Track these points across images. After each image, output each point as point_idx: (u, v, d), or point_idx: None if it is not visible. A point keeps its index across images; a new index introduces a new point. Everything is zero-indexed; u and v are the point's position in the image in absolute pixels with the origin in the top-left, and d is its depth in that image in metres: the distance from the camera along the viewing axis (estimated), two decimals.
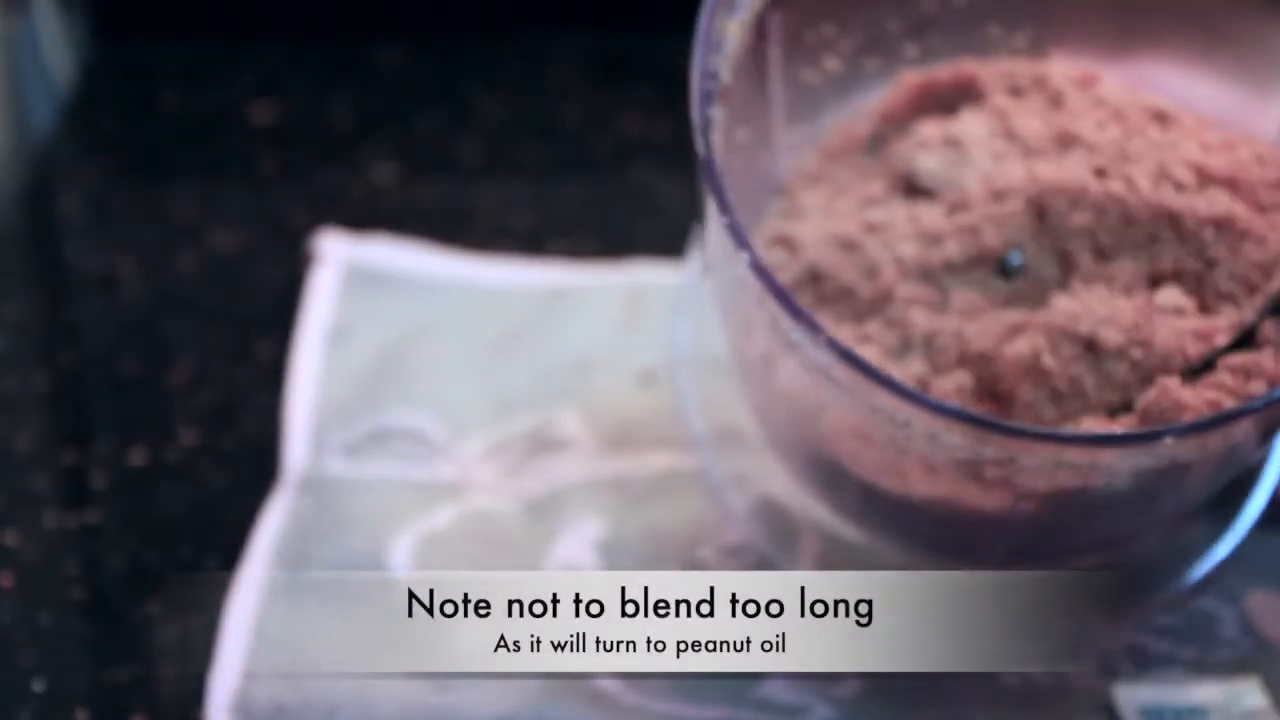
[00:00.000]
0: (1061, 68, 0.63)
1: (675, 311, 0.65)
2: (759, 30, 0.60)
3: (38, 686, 0.60)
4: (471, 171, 0.83)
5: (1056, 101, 0.62)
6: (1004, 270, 0.59)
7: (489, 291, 0.75)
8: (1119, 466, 0.54)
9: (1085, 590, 0.61)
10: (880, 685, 0.60)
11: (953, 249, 0.59)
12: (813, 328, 0.53)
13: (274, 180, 0.83)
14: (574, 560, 0.64)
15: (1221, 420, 0.54)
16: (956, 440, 0.54)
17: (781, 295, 0.54)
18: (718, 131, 0.56)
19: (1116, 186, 0.59)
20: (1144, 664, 0.60)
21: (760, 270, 0.54)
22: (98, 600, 0.64)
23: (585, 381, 0.71)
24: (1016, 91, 0.63)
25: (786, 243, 0.62)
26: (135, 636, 0.62)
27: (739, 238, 0.54)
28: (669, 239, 0.70)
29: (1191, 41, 0.62)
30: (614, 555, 0.64)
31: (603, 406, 0.70)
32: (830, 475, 0.60)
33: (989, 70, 0.63)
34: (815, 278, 0.61)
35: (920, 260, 0.59)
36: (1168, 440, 0.53)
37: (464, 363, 0.72)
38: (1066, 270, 0.58)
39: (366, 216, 0.79)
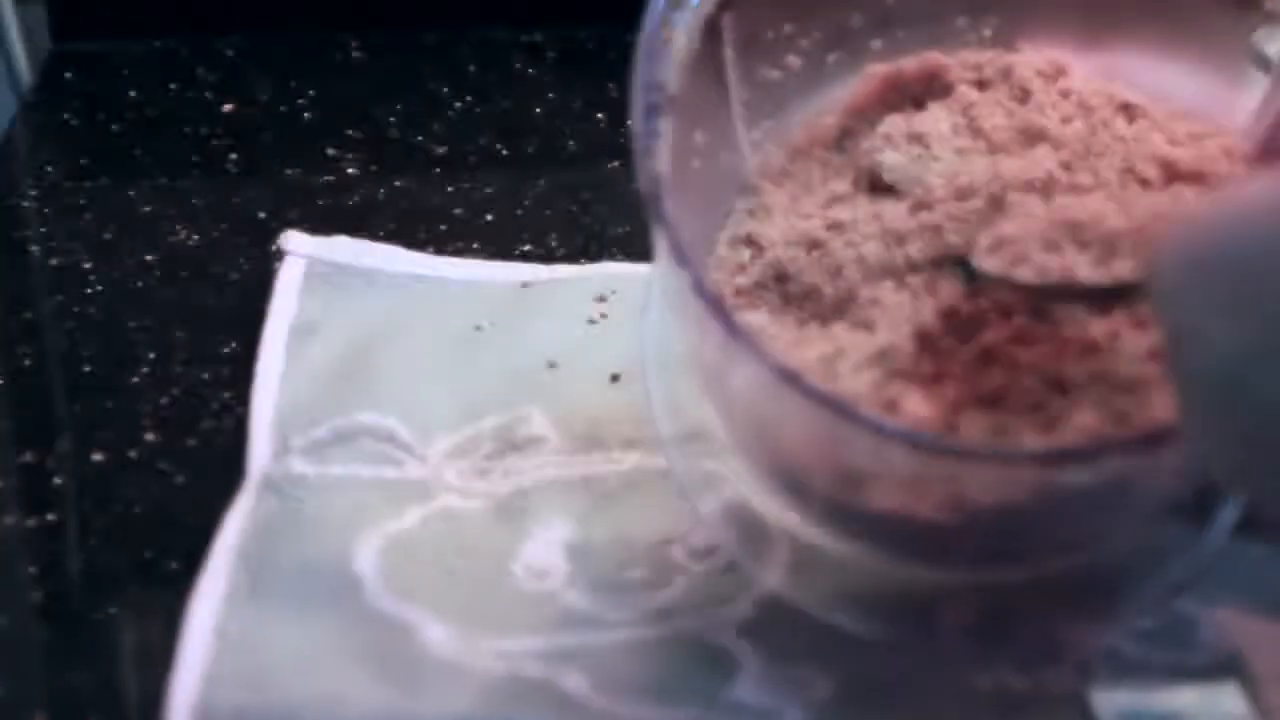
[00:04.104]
0: (1029, 59, 0.63)
1: (645, 309, 0.65)
2: (710, 33, 0.59)
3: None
4: (439, 167, 0.83)
5: (1023, 94, 0.62)
6: (968, 270, 0.59)
7: (456, 289, 0.75)
8: (1067, 481, 0.54)
9: (1060, 594, 0.61)
10: (853, 689, 0.59)
11: (915, 248, 0.59)
12: (751, 347, 0.53)
13: (238, 176, 0.83)
14: (543, 562, 0.63)
15: (1168, 434, 0.53)
16: (901, 457, 0.53)
17: (720, 313, 0.53)
18: (666, 141, 0.56)
19: (1081, 183, 0.58)
20: (1121, 668, 0.60)
21: (700, 289, 0.53)
22: (57, 602, 0.63)
23: (554, 380, 0.70)
24: (983, 84, 0.63)
25: (752, 242, 0.61)
26: (95, 639, 0.61)
27: (679, 254, 0.54)
28: (639, 236, 0.70)
29: (1160, 32, 0.62)
30: (583, 556, 0.63)
31: (572, 405, 0.69)
32: (791, 482, 0.60)
33: (955, 62, 0.63)
34: (780, 278, 0.60)
35: (883, 260, 0.59)
36: (1115, 457, 0.53)
37: (431, 361, 0.71)
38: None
39: (332, 213, 0.79)
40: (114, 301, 0.75)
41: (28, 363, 0.72)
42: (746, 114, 0.63)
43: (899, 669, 0.60)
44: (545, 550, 0.64)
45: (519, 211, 0.80)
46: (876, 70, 0.63)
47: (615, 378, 0.70)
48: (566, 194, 0.81)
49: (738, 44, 0.61)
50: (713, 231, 0.62)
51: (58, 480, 0.67)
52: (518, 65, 0.89)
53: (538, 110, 0.87)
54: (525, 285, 0.75)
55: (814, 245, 0.60)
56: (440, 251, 0.77)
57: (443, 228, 0.79)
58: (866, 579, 0.62)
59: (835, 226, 0.60)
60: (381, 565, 0.63)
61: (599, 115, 0.86)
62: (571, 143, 0.85)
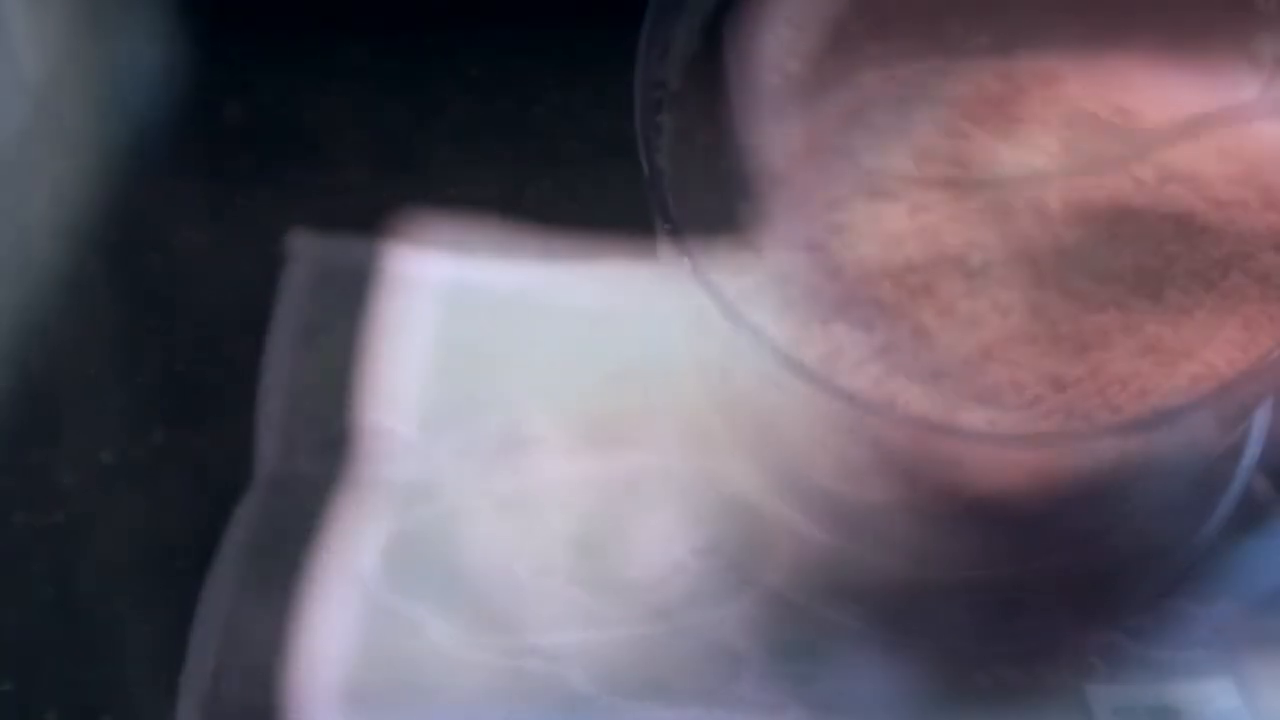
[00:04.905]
0: (1026, 65, 0.63)
1: (648, 309, 0.65)
2: (711, 34, 0.59)
3: (6, 686, 0.60)
4: (442, 168, 0.83)
5: (1018, 98, 0.63)
6: (968, 270, 0.59)
7: (461, 289, 0.75)
8: (1064, 467, 0.55)
9: (1059, 590, 0.62)
10: (854, 685, 0.60)
11: (912, 249, 0.60)
12: (754, 334, 0.53)
13: (241, 177, 0.83)
14: (546, 559, 0.64)
15: (1162, 419, 0.54)
16: (901, 443, 0.54)
17: (721, 301, 0.54)
18: (669, 136, 0.56)
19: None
20: (1119, 664, 0.60)
21: (701, 279, 0.54)
22: (66, 600, 0.63)
23: (557, 378, 0.71)
24: (980, 89, 0.63)
25: (753, 246, 0.62)
26: (105, 637, 0.62)
27: (679, 243, 0.54)
28: (642, 237, 0.70)
29: (1159, 37, 0.62)
30: (585, 554, 0.64)
31: (575, 405, 0.69)
32: (793, 477, 0.60)
33: (953, 68, 0.64)
34: (781, 280, 0.61)
35: (882, 261, 0.59)
36: (1109, 439, 0.54)
37: (435, 360, 0.71)
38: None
39: (336, 215, 0.79)
40: (121, 303, 0.75)
41: (36, 364, 0.73)
42: (749, 118, 0.63)
43: (900, 665, 0.60)
44: (548, 548, 0.64)
45: (522, 212, 0.80)
46: (874, 77, 0.64)
47: (619, 377, 0.70)
48: (568, 195, 0.81)
49: (738, 47, 0.61)
50: (714, 235, 0.62)
51: (66, 480, 0.68)
52: (521, 66, 0.89)
53: (541, 111, 0.87)
54: (529, 285, 0.75)
55: (814, 248, 0.61)
56: (444, 253, 0.77)
57: (446, 228, 0.79)
58: (868, 576, 0.62)
59: (834, 229, 0.61)
60: (387, 564, 0.63)
61: (601, 116, 0.85)
62: (574, 143, 0.84)
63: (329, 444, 0.68)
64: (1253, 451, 0.62)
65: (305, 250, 0.76)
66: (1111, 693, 0.59)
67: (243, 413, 0.69)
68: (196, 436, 0.69)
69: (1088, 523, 0.59)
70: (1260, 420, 0.62)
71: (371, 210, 0.80)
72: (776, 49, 0.63)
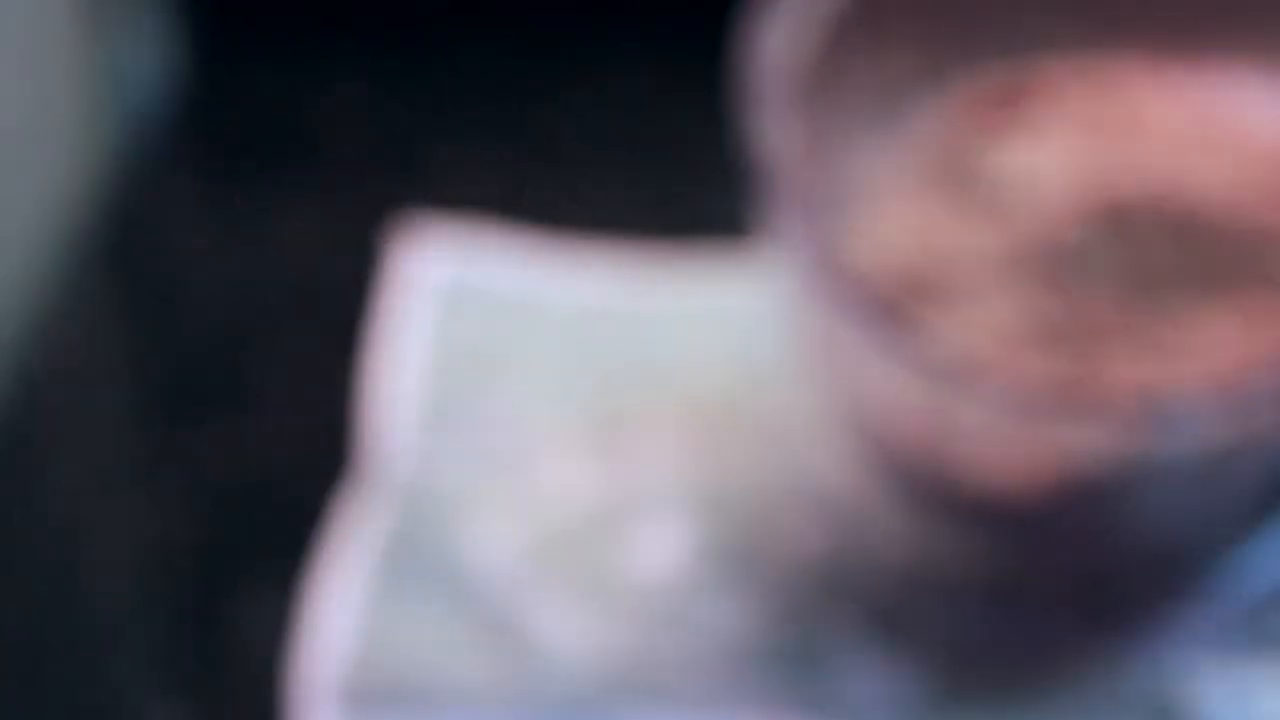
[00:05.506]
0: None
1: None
2: (830, 31, 0.60)
3: (6, 686, 0.60)
4: (442, 169, 0.83)
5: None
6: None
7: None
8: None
9: (1058, 589, 0.62)
10: (854, 685, 0.60)
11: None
12: (877, 309, 0.54)
13: (243, 179, 0.83)
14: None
15: (1162, 419, 0.54)
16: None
17: (849, 286, 0.54)
18: (781, 125, 0.57)
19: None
20: (1118, 664, 0.60)
21: (823, 259, 0.54)
22: (66, 600, 0.63)
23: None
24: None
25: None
26: (105, 637, 0.62)
27: (799, 225, 0.54)
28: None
29: (1160, 37, 0.63)
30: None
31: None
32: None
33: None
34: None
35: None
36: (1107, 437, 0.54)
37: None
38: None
39: (337, 215, 0.79)
40: (120, 302, 0.76)
41: (34, 364, 0.73)
42: (860, 117, 0.63)
43: (900, 665, 0.60)
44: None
45: (522, 212, 0.80)
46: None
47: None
48: (568, 195, 0.81)
49: (854, 47, 0.61)
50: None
51: (66, 480, 0.68)
52: (522, 66, 0.89)
53: (541, 111, 0.87)
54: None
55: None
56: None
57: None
58: (868, 576, 0.62)
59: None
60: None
61: (601, 116, 0.86)
62: (574, 144, 0.85)
63: (331, 444, 0.68)
64: (1254, 451, 0.62)
65: (305, 250, 0.76)
66: (1111, 692, 0.59)
67: (243, 413, 0.69)
68: (196, 436, 0.69)
69: (1088, 523, 0.59)
70: (1261, 419, 0.62)
71: (372, 210, 0.80)
72: (777, 49, 0.63)
